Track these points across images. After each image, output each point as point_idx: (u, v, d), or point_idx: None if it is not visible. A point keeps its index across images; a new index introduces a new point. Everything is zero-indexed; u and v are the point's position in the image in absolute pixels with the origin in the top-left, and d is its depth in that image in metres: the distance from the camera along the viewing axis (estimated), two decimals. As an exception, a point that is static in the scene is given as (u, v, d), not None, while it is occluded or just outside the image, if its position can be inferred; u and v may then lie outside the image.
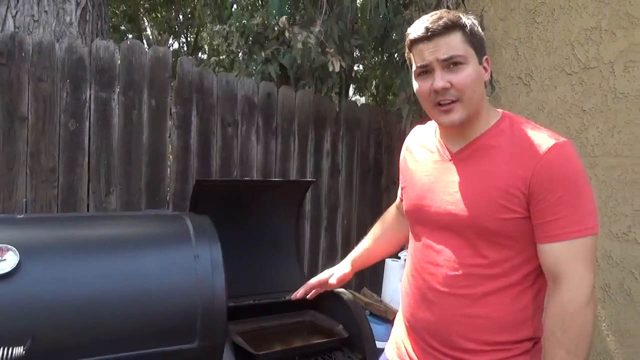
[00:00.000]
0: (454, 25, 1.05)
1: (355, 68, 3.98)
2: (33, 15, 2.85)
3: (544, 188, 1.00)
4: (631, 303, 2.18)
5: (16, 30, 2.78)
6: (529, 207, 1.02)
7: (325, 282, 1.58)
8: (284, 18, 2.89)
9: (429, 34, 1.05)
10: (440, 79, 1.04)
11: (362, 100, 5.05)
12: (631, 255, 2.18)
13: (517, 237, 1.04)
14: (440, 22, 1.04)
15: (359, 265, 1.53)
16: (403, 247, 1.73)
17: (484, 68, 1.10)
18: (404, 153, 1.32)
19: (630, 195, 2.18)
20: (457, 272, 1.09)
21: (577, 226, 1.00)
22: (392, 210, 1.49)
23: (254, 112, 2.88)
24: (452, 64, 1.04)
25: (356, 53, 3.51)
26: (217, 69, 3.36)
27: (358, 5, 3.22)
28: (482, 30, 2.99)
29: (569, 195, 0.99)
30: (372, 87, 4.41)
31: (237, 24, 3.12)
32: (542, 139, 1.04)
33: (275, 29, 3.00)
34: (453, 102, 1.05)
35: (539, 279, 1.07)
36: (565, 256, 1.00)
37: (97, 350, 1.26)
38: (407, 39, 1.11)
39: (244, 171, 2.85)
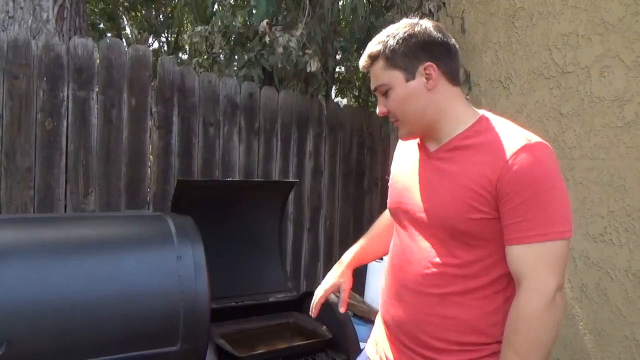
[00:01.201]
0: (374, 56, 1.12)
1: (338, 69, 3.99)
2: (8, 12, 2.78)
3: (510, 190, 0.99)
4: (607, 303, 2.24)
5: (-10, 26, 2.71)
6: (498, 208, 1.02)
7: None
8: (264, 22, 2.88)
9: (362, 70, 1.18)
10: (378, 105, 1.18)
11: (344, 102, 5.07)
12: (607, 256, 2.24)
13: (488, 238, 1.04)
14: (365, 57, 1.14)
15: (355, 266, 1.51)
16: None
17: (427, 75, 1.09)
18: (395, 153, 1.36)
19: (606, 197, 2.24)
20: (428, 271, 1.10)
21: (541, 230, 0.97)
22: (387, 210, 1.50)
23: (236, 112, 2.86)
24: (382, 91, 1.14)
25: (339, 55, 3.53)
26: (197, 69, 3.33)
27: (340, 7, 3.23)
28: (463, 33, 2.99)
29: (535, 198, 0.98)
30: (355, 89, 4.42)
31: (220, 24, 3.10)
32: (514, 140, 1.03)
33: (260, 30, 2.99)
34: (396, 121, 1.17)
35: (512, 283, 1.06)
36: (526, 259, 0.99)
37: (76, 355, 1.23)
38: None
39: (226, 172, 2.82)
